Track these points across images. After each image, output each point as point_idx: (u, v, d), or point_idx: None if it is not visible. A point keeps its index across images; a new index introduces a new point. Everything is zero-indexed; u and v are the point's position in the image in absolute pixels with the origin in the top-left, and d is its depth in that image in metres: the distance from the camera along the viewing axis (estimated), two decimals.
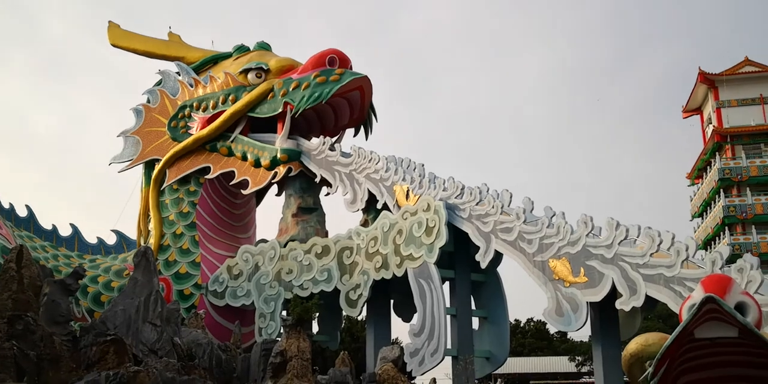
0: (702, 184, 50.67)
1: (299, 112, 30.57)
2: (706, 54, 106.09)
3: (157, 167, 33.45)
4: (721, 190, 46.42)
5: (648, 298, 20.10)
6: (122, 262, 32.44)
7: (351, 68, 31.36)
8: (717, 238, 47.56)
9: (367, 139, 32.90)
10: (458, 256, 26.13)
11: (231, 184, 32.59)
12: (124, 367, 15.46)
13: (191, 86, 33.80)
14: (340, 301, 27.26)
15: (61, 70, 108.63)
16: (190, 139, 32.86)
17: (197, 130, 32.93)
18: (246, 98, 31.81)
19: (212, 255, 31.98)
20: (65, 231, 34.97)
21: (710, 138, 49.13)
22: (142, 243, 33.07)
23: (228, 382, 19.93)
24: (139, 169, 34.87)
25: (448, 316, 24.77)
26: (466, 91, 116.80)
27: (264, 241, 31.58)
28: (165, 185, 33.32)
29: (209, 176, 32.69)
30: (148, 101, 34.91)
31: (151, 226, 33.23)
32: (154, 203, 33.28)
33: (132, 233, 35.25)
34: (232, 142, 32.36)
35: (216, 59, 34.87)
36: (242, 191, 32.53)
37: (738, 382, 7.89)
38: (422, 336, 24.29)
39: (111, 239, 35.89)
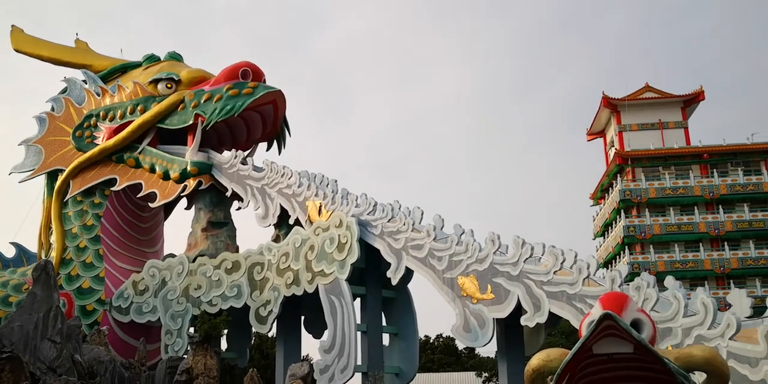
0: (604, 204, 52.78)
1: (211, 124, 30.11)
2: (610, 79, 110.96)
3: (61, 178, 32.32)
4: (622, 211, 48.46)
5: (551, 315, 20.69)
6: (21, 276, 31.00)
7: (264, 82, 31.15)
8: (617, 257, 49.59)
9: (279, 154, 32.76)
10: (369, 272, 26.21)
11: (138, 196, 31.72)
12: None
13: (98, 95, 32.83)
14: (249, 317, 26.84)
15: None
16: (95, 150, 31.86)
17: (103, 140, 31.97)
18: (155, 109, 31.13)
19: (117, 269, 30.99)
20: None
21: (612, 160, 51.32)
22: (43, 256, 31.78)
23: None
24: (41, 180, 33.68)
25: (359, 333, 24.78)
26: (380, 108, 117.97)
27: (172, 255, 30.81)
28: (68, 197, 32.19)
29: (115, 188, 31.75)
30: (53, 109, 33.72)
31: (53, 238, 32.03)
32: (56, 215, 32.08)
33: (32, 246, 34.04)
34: (140, 153, 31.55)
35: (125, 68, 33.99)
36: (150, 204, 31.69)
37: None
38: (333, 352, 24.20)
39: (10, 252, 34.59)
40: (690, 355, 7.08)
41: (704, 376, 7.31)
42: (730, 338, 16.57)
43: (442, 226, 24.42)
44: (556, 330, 32.91)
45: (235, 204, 31.14)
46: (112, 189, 31.85)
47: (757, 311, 20.54)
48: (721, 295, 35.64)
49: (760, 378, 15.78)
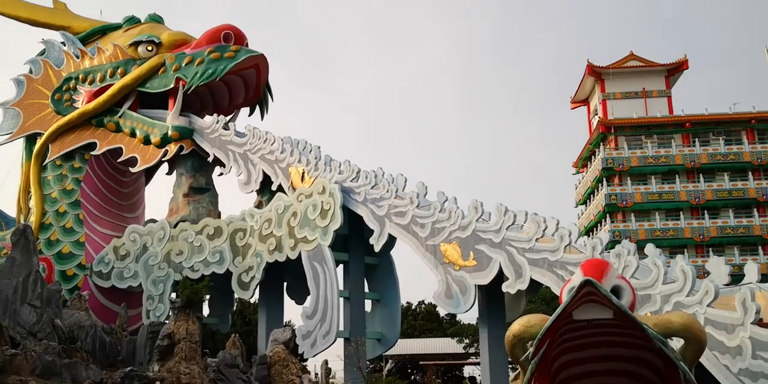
0: (587, 173, 52.97)
1: (192, 88, 29.69)
2: (595, 47, 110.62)
3: (39, 142, 31.91)
4: (604, 179, 48.67)
5: (532, 282, 20.86)
6: (0, 240, 30.74)
7: (247, 45, 30.67)
8: (599, 224, 49.96)
9: (262, 120, 32.46)
10: (352, 239, 26.24)
11: (118, 161, 31.40)
12: (0, 351, 14.70)
13: (77, 57, 32.23)
14: (232, 283, 26.86)
15: None
16: (75, 113, 31.40)
17: (83, 103, 31.49)
18: (136, 72, 30.63)
19: (97, 234, 30.80)
20: None
21: (596, 129, 51.35)
22: (22, 221, 31.49)
23: (113, 365, 19.26)
24: (20, 143, 33.23)
25: (341, 299, 24.89)
26: (363, 76, 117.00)
27: (153, 221, 30.64)
28: (47, 161, 31.84)
29: (95, 152, 31.40)
30: (31, 72, 33.10)
31: (32, 203, 31.74)
32: (35, 179, 31.73)
33: (11, 211, 33.71)
34: (120, 117, 31.14)
35: (104, 30, 33.36)
36: (130, 169, 31.39)
37: (613, 361, 8.31)
38: (315, 318, 24.31)
39: None
40: (668, 321, 7.12)
41: (682, 341, 7.37)
42: (708, 305, 16.78)
43: (426, 194, 24.41)
44: (537, 296, 33.25)
45: (217, 169, 30.94)
46: (92, 153, 31.51)
47: (734, 279, 20.79)
48: (700, 263, 36.06)
49: (736, 344, 16.03)
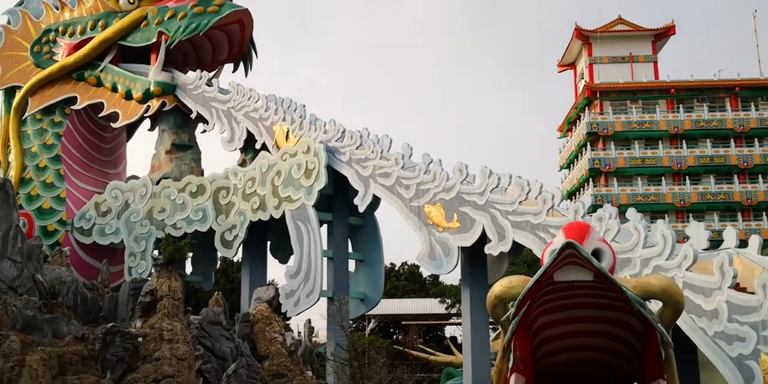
0: (571, 137, 53.02)
1: (175, 43, 29.15)
2: (584, 10, 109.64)
3: (19, 95, 31.36)
4: (588, 144, 48.77)
5: (515, 244, 21.00)
6: None
7: (231, 0, 30.09)
8: (582, 188, 50.25)
9: (246, 76, 31.97)
10: (336, 199, 26.21)
11: (99, 116, 30.96)
12: None
13: (57, 9, 31.51)
14: (215, 241, 26.83)
15: None
16: (55, 66, 30.82)
17: (63, 56, 30.89)
18: (117, 25, 30.01)
19: (78, 190, 30.52)
20: None
21: (581, 93, 51.24)
22: (2, 175, 31.07)
23: (94, 321, 19.28)
24: None
25: (325, 259, 24.97)
26: (348, 35, 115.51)
27: (135, 177, 30.40)
28: (27, 114, 31.34)
29: (76, 107, 30.93)
30: (9, 23, 32.34)
31: (12, 157, 31.28)
32: (14, 133, 31.27)
33: None
34: (101, 71, 30.60)
35: None
36: (112, 124, 30.98)
37: (593, 323, 8.43)
38: (298, 277, 24.41)
39: None
40: (647, 284, 7.19)
41: (660, 304, 7.44)
42: (687, 269, 16.99)
43: (411, 155, 24.35)
44: (519, 259, 33.55)
45: (200, 126, 30.64)
46: (72, 108, 31.04)
47: (713, 244, 21.03)
48: (681, 228, 36.39)
49: (712, 307, 16.29)
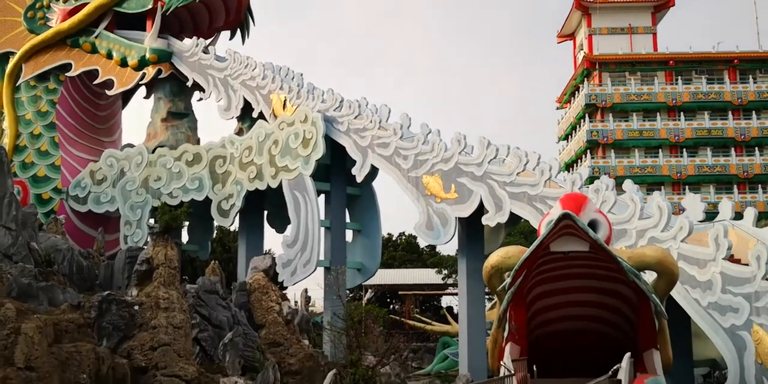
0: (570, 108, 52.80)
1: (171, 9, 28.83)
2: None
3: (12, 61, 31.06)
4: (586, 115, 48.59)
5: (512, 215, 21.03)
6: None
7: None
8: (579, 160, 50.19)
9: (243, 44, 31.68)
10: (334, 169, 26.13)
11: (94, 83, 30.70)
12: None
13: None
14: (211, 210, 26.81)
15: None
16: (49, 32, 30.49)
17: (57, 22, 30.53)
18: None
19: (73, 158, 30.36)
20: None
21: (580, 64, 50.87)
22: None
23: (90, 289, 19.33)
24: None
25: (322, 228, 24.97)
26: (347, 4, 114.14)
27: (130, 145, 30.23)
28: (21, 81, 31.07)
29: (70, 74, 30.65)
30: None
31: (6, 124, 31.07)
32: (8, 100, 31.03)
33: None
34: (96, 37, 30.26)
35: None
36: (107, 92, 30.72)
37: (588, 293, 8.45)
38: (295, 247, 24.44)
39: None
40: (642, 255, 7.21)
41: (655, 275, 7.44)
42: (682, 240, 17.03)
43: (409, 125, 24.23)
44: (516, 230, 33.60)
45: (197, 94, 30.43)
46: (67, 74, 30.75)
47: (709, 216, 21.07)
48: (677, 200, 36.44)
49: (706, 278, 16.37)
